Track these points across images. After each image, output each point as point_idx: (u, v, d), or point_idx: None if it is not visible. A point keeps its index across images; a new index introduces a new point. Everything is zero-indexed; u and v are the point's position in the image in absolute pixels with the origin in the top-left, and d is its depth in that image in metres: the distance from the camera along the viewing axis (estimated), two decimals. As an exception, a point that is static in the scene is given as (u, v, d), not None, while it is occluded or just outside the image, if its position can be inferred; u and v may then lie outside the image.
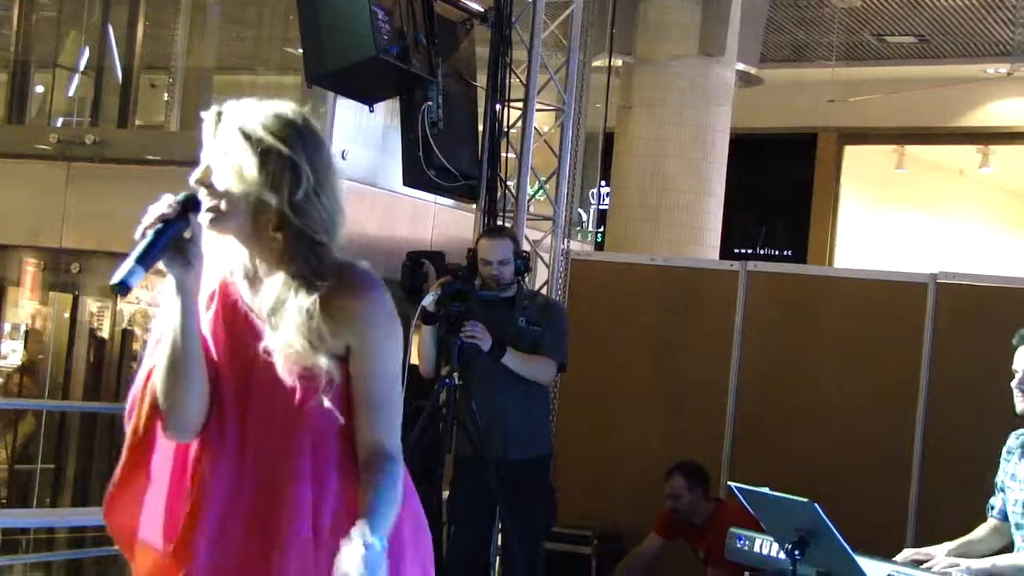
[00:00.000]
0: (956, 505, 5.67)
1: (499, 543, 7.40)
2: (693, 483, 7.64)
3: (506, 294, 6.97)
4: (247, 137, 2.84)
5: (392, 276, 8.13)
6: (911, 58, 15.57)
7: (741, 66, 13.27)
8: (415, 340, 6.93)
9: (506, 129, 8.64)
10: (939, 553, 5.16)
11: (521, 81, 8.68)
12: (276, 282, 2.91)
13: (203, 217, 2.84)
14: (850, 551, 4.70)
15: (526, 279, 7.50)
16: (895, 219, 18.39)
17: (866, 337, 8.19)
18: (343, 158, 8.80)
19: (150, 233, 2.76)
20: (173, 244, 2.79)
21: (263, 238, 2.89)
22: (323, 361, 2.86)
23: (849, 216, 17.58)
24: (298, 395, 2.89)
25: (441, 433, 6.96)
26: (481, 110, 8.73)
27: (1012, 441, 5.35)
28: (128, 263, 2.74)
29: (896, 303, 8.17)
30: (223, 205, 2.85)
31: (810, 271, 10.73)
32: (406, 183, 8.42)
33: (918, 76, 15.59)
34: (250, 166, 2.83)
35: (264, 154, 2.83)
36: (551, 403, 6.94)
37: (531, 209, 8.88)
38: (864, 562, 4.76)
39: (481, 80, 8.74)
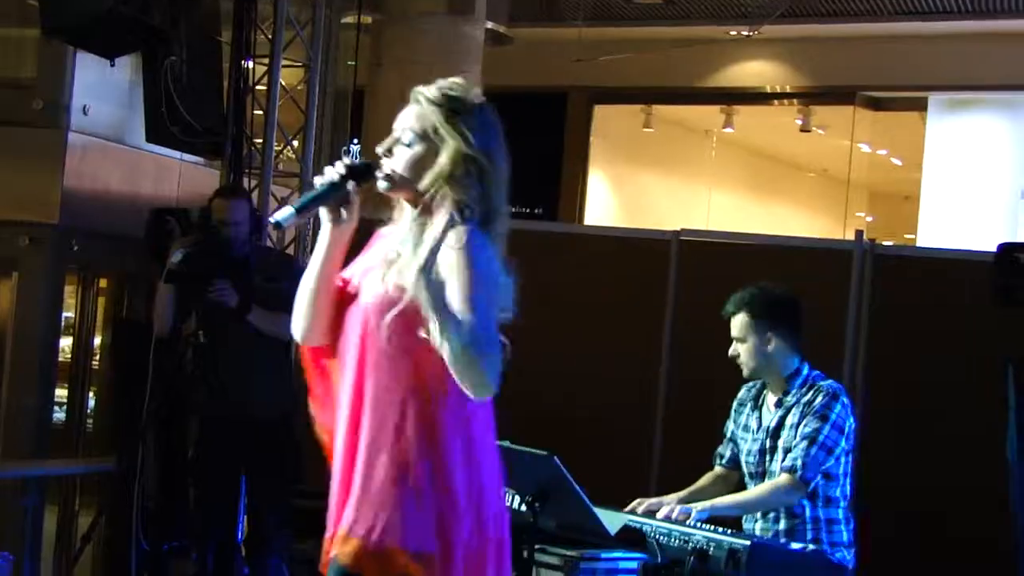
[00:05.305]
0: (700, 455, 5.81)
1: (247, 500, 7.35)
2: None
3: (243, 252, 6.93)
4: (414, 122, 3.45)
5: (136, 234, 8.00)
6: (658, 19, 15.79)
7: (490, 24, 13.29)
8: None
9: (251, 85, 8.55)
10: (671, 502, 5.29)
11: (267, 37, 8.58)
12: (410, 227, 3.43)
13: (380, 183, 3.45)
14: (588, 503, 4.77)
15: (259, 236, 7.45)
16: (643, 178, 18.69)
17: (612, 293, 8.32)
18: (84, 114, 8.59)
19: (317, 187, 3.40)
20: (332, 201, 3.40)
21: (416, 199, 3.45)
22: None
23: (599, 174, 17.80)
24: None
25: (186, 393, 6.92)
26: (227, 66, 8.62)
27: (743, 393, 5.52)
28: (287, 208, 3.37)
29: (641, 260, 8.30)
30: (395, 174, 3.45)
31: (557, 228, 10.87)
32: (149, 140, 8.29)
33: (665, 37, 15.83)
34: (406, 148, 3.45)
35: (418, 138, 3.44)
36: (292, 359, 6.91)
37: (279, 167, 8.81)
38: (602, 513, 4.84)
39: (227, 36, 8.63)
